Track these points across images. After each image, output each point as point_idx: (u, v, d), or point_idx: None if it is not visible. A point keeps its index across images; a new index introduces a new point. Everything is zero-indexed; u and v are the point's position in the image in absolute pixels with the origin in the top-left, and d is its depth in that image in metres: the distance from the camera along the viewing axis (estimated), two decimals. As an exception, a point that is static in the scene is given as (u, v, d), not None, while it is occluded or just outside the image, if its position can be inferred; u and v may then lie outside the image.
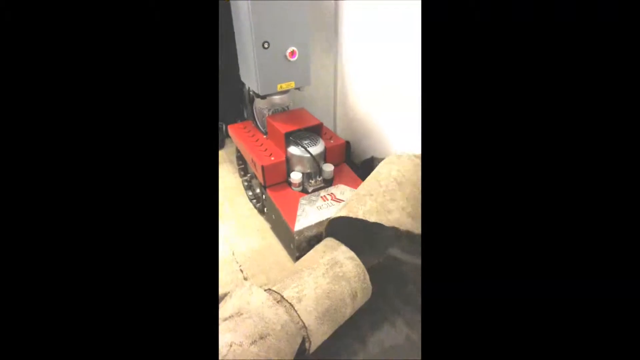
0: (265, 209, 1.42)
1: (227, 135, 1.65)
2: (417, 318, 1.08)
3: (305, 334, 0.89)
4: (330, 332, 0.96)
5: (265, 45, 1.17)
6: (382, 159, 1.43)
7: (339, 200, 1.26)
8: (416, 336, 1.04)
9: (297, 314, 0.90)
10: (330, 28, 1.54)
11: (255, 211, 1.53)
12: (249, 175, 1.59)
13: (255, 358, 0.80)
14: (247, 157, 1.41)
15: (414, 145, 1.27)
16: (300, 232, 1.16)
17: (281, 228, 1.28)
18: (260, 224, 1.47)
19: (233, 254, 1.33)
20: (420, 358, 0.95)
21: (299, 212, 1.21)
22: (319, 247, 1.08)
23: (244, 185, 1.61)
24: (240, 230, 1.44)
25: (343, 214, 1.03)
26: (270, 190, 1.29)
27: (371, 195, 1.04)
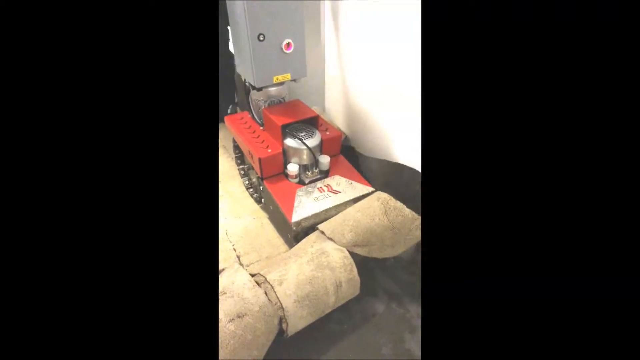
0: (262, 199, 1.43)
1: (221, 120, 1.66)
2: (396, 289, 1.18)
3: (282, 314, 0.92)
4: (310, 319, 0.99)
5: (261, 38, 1.16)
6: (366, 157, 1.45)
7: (335, 192, 1.26)
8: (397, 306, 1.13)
9: (276, 295, 0.93)
10: (319, 20, 1.52)
11: (247, 193, 1.57)
12: (245, 166, 1.59)
13: (231, 335, 0.84)
14: (244, 148, 1.40)
15: (412, 145, 1.27)
16: (298, 223, 1.16)
17: (279, 219, 1.29)
18: (251, 204, 1.52)
19: (226, 233, 1.38)
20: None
21: (295, 204, 1.21)
22: (310, 237, 1.11)
23: (240, 173, 1.62)
24: (233, 210, 1.49)
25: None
26: (267, 182, 1.29)
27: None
